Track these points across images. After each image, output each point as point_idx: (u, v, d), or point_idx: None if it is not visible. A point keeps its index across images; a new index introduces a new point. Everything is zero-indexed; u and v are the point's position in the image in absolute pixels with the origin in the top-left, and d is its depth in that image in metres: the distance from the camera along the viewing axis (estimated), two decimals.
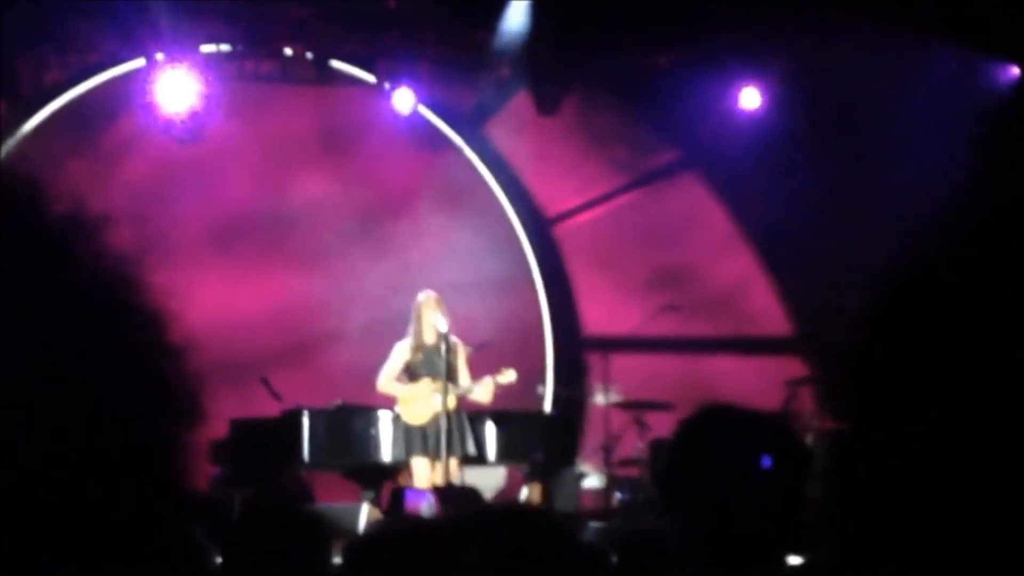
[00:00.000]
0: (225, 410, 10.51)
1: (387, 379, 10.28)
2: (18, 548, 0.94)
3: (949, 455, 1.01)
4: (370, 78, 12.94)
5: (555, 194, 13.70)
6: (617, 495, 11.24)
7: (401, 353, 10.27)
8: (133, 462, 1.01)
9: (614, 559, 4.48)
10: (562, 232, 13.74)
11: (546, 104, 13.05)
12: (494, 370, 10.25)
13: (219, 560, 3.54)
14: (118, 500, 0.99)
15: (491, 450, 10.57)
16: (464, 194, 13.22)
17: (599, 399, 12.15)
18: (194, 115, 12.09)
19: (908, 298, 1.08)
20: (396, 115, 12.72)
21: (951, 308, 1.03)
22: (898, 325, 1.08)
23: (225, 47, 12.62)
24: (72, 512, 0.97)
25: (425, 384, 10.15)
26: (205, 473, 10.58)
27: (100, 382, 0.99)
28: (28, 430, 0.95)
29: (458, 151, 13.49)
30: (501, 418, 10.60)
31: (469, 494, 9.78)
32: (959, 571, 1.01)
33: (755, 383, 11.22)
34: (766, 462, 2.72)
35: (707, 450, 2.80)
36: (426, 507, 9.30)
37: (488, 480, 10.98)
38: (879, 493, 1.05)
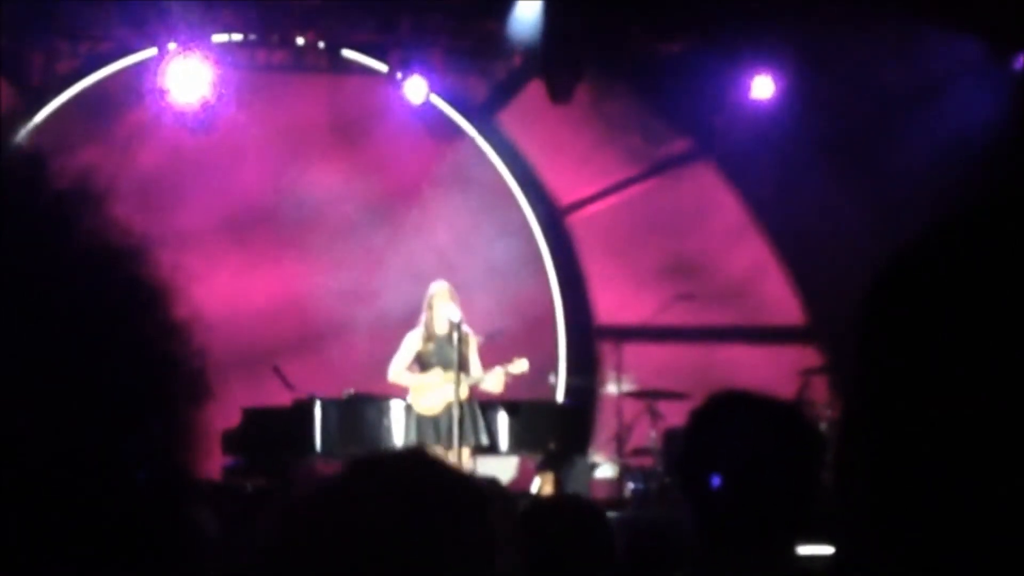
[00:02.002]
0: (238, 399, 10.52)
1: (398, 369, 10.27)
2: (11, 525, 0.93)
3: (952, 443, 0.99)
4: (382, 67, 12.93)
5: (568, 183, 13.68)
6: (630, 485, 11.23)
7: (412, 343, 10.26)
8: (136, 437, 0.99)
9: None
10: (575, 221, 13.72)
11: (559, 92, 13.01)
12: (506, 360, 10.23)
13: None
14: (120, 481, 0.97)
15: (503, 440, 10.56)
16: (476, 183, 13.20)
17: (611, 388, 12.15)
18: (206, 105, 12.09)
19: (912, 281, 1.06)
20: (408, 104, 12.71)
21: (956, 295, 1.01)
22: (900, 310, 1.05)
23: (237, 36, 12.62)
24: (71, 492, 0.95)
25: (436, 374, 10.14)
26: (218, 462, 10.61)
27: (101, 355, 0.98)
28: (25, 403, 0.93)
29: (470, 140, 13.47)
30: (513, 408, 10.59)
31: (490, 484, 9.77)
32: (961, 563, 0.99)
33: (769, 372, 11.18)
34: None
35: (720, 438, 2.79)
36: None
37: (500, 470, 10.97)
38: (878, 481, 1.03)
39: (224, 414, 10.24)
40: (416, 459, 1.71)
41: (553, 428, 10.90)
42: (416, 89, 12.63)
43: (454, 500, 1.64)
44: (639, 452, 11.49)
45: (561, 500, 5.74)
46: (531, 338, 11.91)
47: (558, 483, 11.09)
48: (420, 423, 10.17)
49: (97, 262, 1.01)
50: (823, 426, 9.63)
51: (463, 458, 9.99)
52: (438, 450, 10.02)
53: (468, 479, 1.76)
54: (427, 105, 12.85)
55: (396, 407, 10.39)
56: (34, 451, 0.94)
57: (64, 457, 0.95)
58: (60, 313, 0.97)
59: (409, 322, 10.40)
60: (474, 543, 1.63)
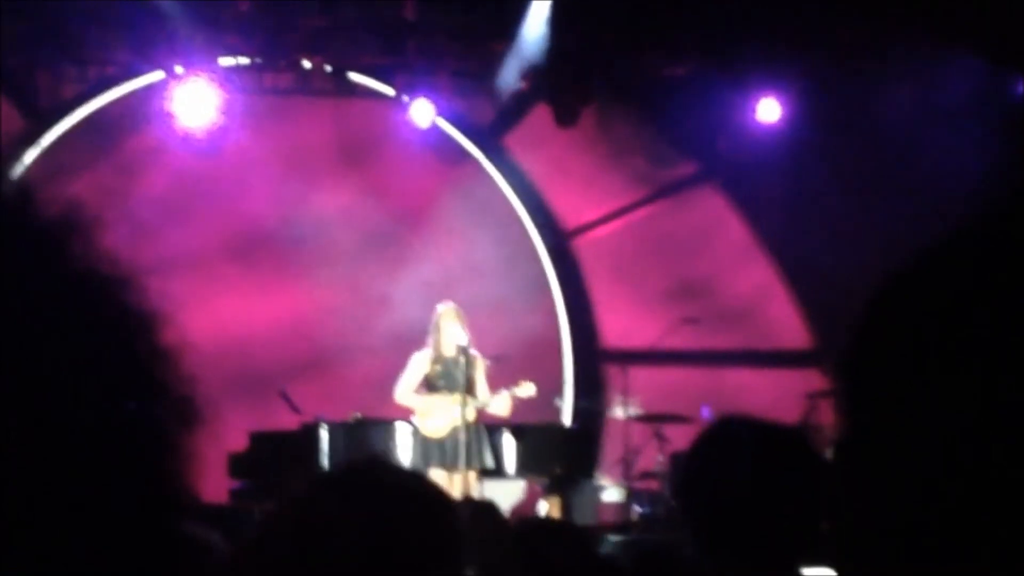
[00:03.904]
0: (244, 423, 10.52)
1: (405, 391, 10.27)
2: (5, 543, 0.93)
3: (951, 461, 0.98)
4: (388, 90, 12.96)
5: (574, 206, 13.68)
6: (636, 508, 11.22)
7: (419, 365, 10.26)
8: (124, 464, 0.99)
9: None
10: (581, 244, 13.72)
11: (565, 116, 13.02)
12: (513, 383, 10.23)
13: None
14: (106, 507, 0.97)
15: (509, 463, 10.54)
16: (483, 207, 13.21)
17: (618, 412, 12.12)
18: (213, 128, 12.12)
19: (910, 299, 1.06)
20: (414, 128, 12.73)
21: (955, 314, 1.01)
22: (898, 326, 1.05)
23: (243, 60, 12.64)
24: (61, 510, 0.95)
25: (443, 396, 10.13)
26: (226, 486, 10.61)
27: (87, 382, 0.97)
28: (10, 427, 0.93)
29: (476, 163, 13.49)
30: (519, 431, 10.57)
31: (487, 508, 9.74)
32: None
33: (775, 396, 11.16)
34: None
35: (724, 461, 2.78)
36: None
37: (507, 494, 10.94)
38: (874, 501, 1.02)
39: (231, 438, 10.24)
40: (374, 469, 1.75)
41: (559, 452, 10.88)
42: (422, 112, 12.65)
43: (415, 505, 1.68)
44: (646, 476, 11.47)
45: (553, 524, 5.75)
46: (537, 362, 11.89)
47: (565, 507, 11.06)
48: (426, 446, 10.15)
49: (84, 290, 1.00)
50: (829, 450, 9.60)
51: (469, 481, 9.98)
52: (443, 473, 10.01)
53: (425, 485, 1.84)
54: (433, 128, 12.87)
55: (402, 430, 10.38)
56: (21, 475, 0.93)
57: (50, 483, 0.94)
58: (45, 340, 0.96)
59: (415, 345, 10.40)
60: (438, 545, 1.66)
